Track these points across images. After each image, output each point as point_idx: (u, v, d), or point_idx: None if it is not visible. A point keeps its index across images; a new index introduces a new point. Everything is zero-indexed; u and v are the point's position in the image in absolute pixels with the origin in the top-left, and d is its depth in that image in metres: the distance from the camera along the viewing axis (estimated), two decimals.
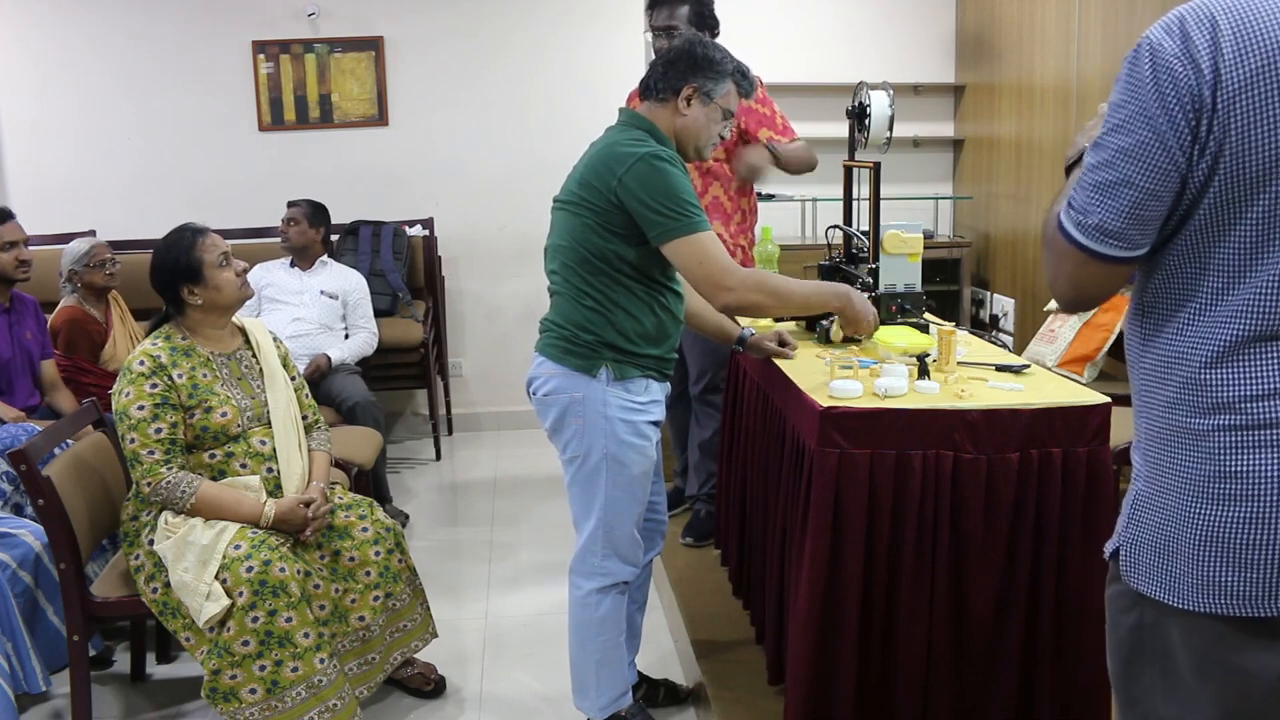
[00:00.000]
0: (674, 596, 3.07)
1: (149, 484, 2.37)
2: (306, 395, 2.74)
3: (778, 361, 2.41)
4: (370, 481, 3.76)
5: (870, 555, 2.01)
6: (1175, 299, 1.20)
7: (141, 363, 2.41)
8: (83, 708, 2.45)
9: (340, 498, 2.65)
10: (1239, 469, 1.15)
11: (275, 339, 2.71)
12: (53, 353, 3.62)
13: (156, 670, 2.91)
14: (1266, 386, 1.14)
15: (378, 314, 4.46)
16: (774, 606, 2.39)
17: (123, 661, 2.92)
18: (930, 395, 2.08)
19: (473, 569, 3.62)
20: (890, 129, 2.89)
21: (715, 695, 2.50)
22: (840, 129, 3.22)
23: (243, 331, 2.65)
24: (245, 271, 2.57)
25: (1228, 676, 1.19)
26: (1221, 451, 1.16)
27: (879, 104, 2.87)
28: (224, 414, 2.46)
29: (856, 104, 2.95)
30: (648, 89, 2.23)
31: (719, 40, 3.13)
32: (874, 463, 1.99)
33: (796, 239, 5.35)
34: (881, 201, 2.76)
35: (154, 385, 2.39)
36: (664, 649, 2.97)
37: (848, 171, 3.12)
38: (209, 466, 2.46)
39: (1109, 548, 1.31)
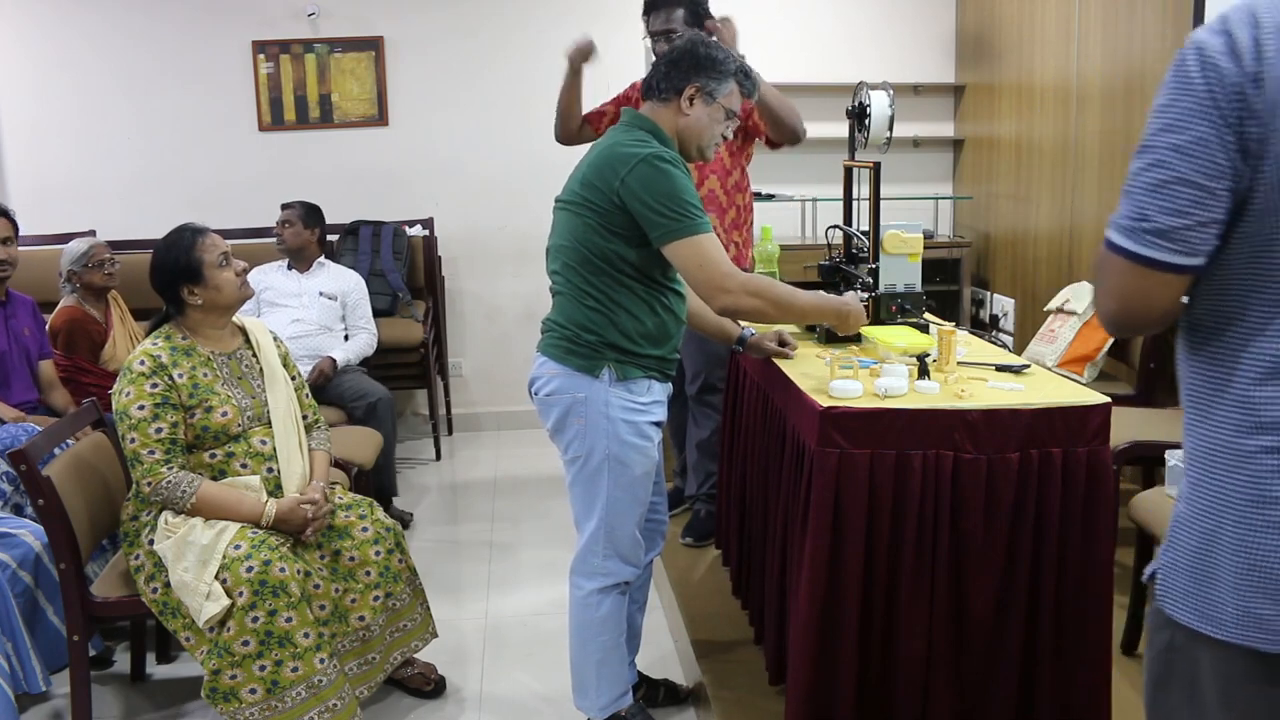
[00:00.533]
0: (674, 596, 3.07)
1: (149, 484, 2.37)
2: (306, 395, 2.74)
3: (778, 361, 2.41)
4: (370, 481, 3.76)
5: (870, 555, 2.01)
6: (1222, 312, 1.15)
7: (142, 362, 2.41)
8: (83, 708, 2.45)
9: (340, 497, 2.65)
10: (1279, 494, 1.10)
11: (275, 338, 2.71)
12: (51, 352, 3.62)
13: (156, 670, 2.91)
14: None
15: (378, 314, 4.46)
16: (774, 606, 2.39)
17: (123, 661, 2.92)
18: (930, 395, 2.08)
19: (473, 569, 3.62)
20: (890, 129, 2.89)
21: (715, 695, 2.50)
22: (840, 129, 3.22)
23: (243, 331, 2.65)
24: (245, 271, 2.57)
25: (1252, 708, 1.16)
26: (1265, 475, 1.11)
27: (879, 104, 2.87)
28: (224, 414, 2.46)
29: (856, 104, 2.95)
30: (650, 89, 2.23)
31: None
32: (874, 463, 1.99)
33: (796, 239, 5.35)
34: (881, 201, 2.75)
35: (154, 385, 2.39)
36: (664, 649, 2.97)
37: (848, 171, 3.12)
38: (209, 466, 2.46)
39: (1148, 571, 1.26)
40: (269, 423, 2.55)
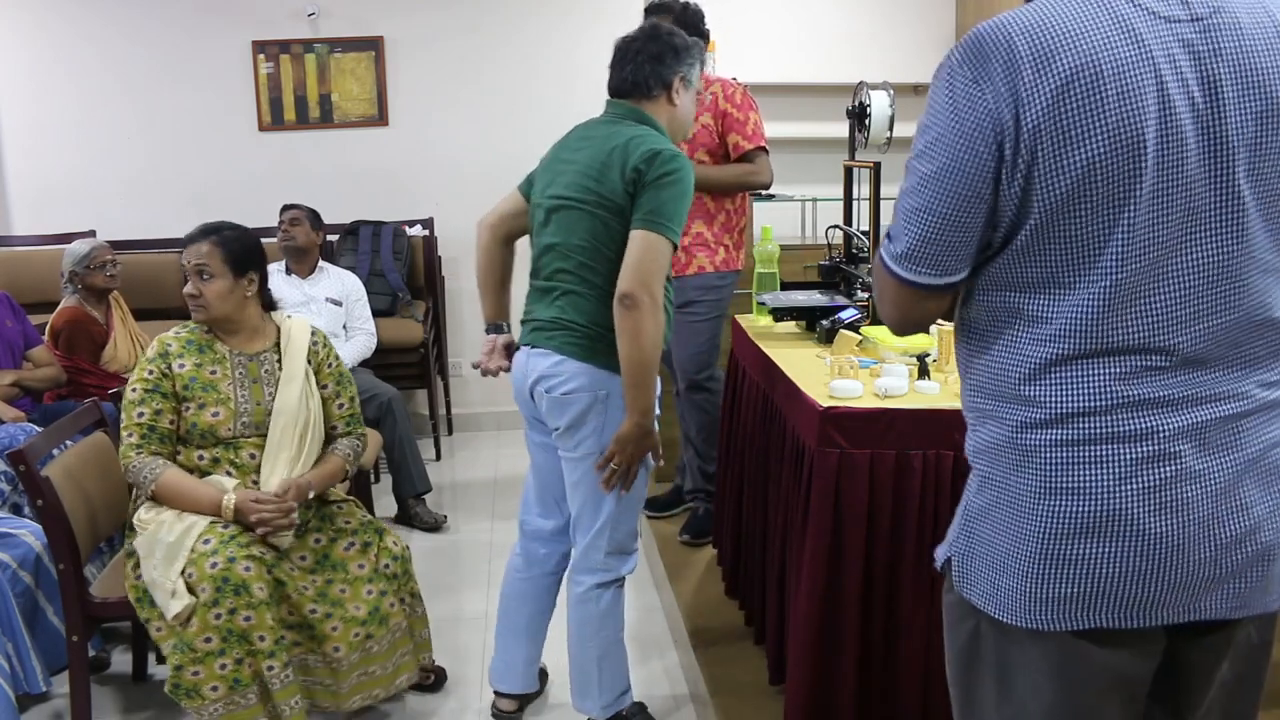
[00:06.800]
0: (674, 596, 3.07)
1: (123, 465, 2.40)
2: (341, 406, 2.63)
3: (777, 361, 2.41)
4: (369, 481, 3.76)
5: (870, 555, 2.02)
6: (1001, 315, 1.19)
7: (154, 346, 2.45)
8: (82, 708, 2.45)
9: (347, 521, 2.56)
10: (1067, 484, 1.15)
11: (320, 342, 2.61)
12: (41, 340, 3.63)
13: (157, 670, 2.91)
14: (1093, 402, 1.13)
15: (378, 314, 4.46)
16: (774, 606, 2.39)
17: (123, 662, 2.92)
18: (930, 395, 2.08)
19: (473, 569, 3.62)
20: (890, 129, 2.89)
21: (715, 695, 2.50)
22: (840, 129, 3.22)
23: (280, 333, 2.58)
24: (195, 296, 2.45)
25: (1057, 687, 1.21)
26: (1051, 467, 1.15)
27: (879, 104, 2.87)
28: (215, 414, 2.43)
29: (856, 104, 2.95)
30: (638, 86, 2.24)
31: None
32: (874, 463, 1.99)
33: (796, 239, 5.35)
34: (882, 201, 2.75)
35: (151, 371, 2.42)
36: (664, 649, 2.97)
37: (848, 171, 3.12)
38: (198, 467, 2.44)
39: (940, 556, 1.30)
40: (266, 433, 2.48)
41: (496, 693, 2.57)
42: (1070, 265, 1.12)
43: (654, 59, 2.23)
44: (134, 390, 2.40)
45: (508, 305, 2.57)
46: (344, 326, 4.21)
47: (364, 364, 4.24)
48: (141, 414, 2.39)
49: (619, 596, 2.34)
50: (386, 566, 2.54)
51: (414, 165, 5.18)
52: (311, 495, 2.47)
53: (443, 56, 5.13)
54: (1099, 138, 1.07)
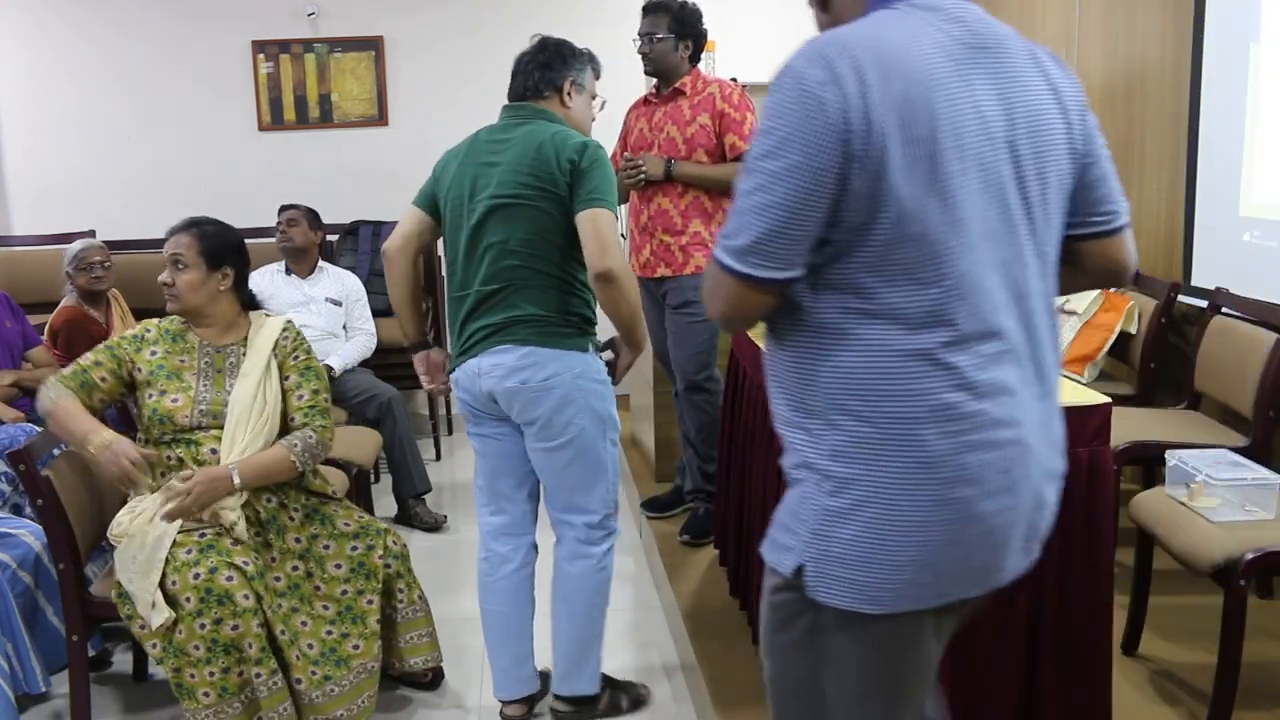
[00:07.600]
0: (674, 596, 3.07)
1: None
2: (300, 398, 2.55)
3: None
4: (369, 481, 3.76)
5: None
6: (861, 312, 1.21)
7: (139, 326, 2.53)
8: (82, 708, 2.45)
9: (347, 523, 2.53)
10: (951, 475, 1.19)
11: (293, 339, 2.58)
12: (40, 340, 3.63)
13: (157, 670, 2.90)
14: (962, 394, 1.19)
15: (378, 314, 4.45)
16: None
17: (123, 661, 2.92)
18: None
19: (472, 568, 3.59)
20: None
21: (715, 695, 2.50)
22: None
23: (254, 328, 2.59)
24: (169, 285, 2.47)
25: (903, 659, 1.28)
26: (933, 459, 1.19)
27: None
28: (175, 400, 2.43)
29: None
30: (529, 90, 2.39)
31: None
32: None
33: None
34: None
35: (119, 340, 2.50)
36: (664, 648, 2.97)
37: None
38: (166, 468, 2.42)
39: (786, 565, 1.27)
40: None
41: (503, 702, 2.57)
42: (925, 260, 1.18)
43: (543, 66, 2.40)
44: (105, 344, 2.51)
45: (426, 321, 2.69)
46: (344, 327, 4.21)
47: (364, 364, 4.23)
48: (86, 357, 2.45)
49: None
50: (389, 566, 2.55)
51: (414, 165, 5.14)
52: (237, 482, 2.36)
53: (443, 56, 5.13)
54: (936, 141, 1.17)
